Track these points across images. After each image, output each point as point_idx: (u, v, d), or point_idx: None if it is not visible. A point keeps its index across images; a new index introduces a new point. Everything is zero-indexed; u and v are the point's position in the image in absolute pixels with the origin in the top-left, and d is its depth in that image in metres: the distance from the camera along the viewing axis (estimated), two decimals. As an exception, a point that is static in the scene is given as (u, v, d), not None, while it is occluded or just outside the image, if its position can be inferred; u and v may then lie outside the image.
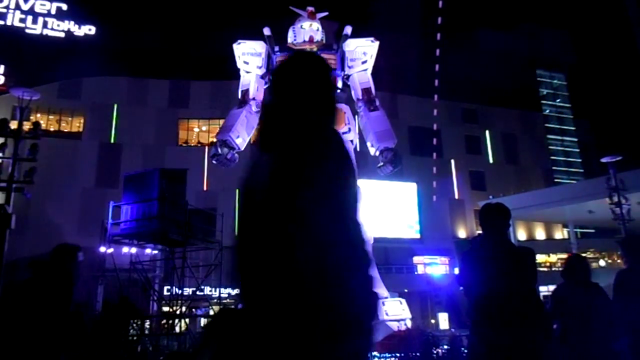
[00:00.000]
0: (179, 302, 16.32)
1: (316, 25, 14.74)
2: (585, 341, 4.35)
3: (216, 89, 37.02)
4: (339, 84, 14.86)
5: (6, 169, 13.44)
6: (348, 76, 14.76)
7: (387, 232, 32.39)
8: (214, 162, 13.90)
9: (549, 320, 4.22)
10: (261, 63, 14.51)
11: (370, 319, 1.76)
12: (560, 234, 43.64)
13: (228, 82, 28.54)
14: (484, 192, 40.42)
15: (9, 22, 36.17)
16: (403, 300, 12.99)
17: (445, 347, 12.88)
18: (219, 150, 13.42)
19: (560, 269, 5.92)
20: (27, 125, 15.52)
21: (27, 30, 36.50)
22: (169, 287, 21.83)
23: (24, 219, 23.43)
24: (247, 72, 14.61)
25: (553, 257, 40.63)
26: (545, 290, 19.33)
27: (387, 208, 34.75)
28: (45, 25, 37.14)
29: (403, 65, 37.79)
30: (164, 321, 16.61)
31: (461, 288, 3.87)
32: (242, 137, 13.83)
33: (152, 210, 14.21)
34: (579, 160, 49.50)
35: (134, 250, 16.48)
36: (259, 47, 14.53)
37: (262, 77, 14.70)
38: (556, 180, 46.00)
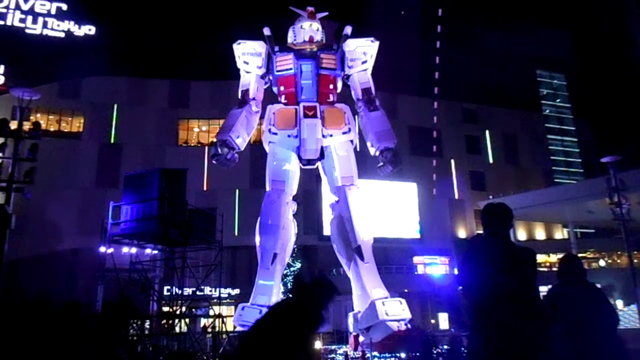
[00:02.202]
0: (179, 302, 16.32)
1: (316, 25, 14.68)
2: (582, 341, 4.33)
3: (216, 89, 37.01)
4: (339, 84, 14.85)
5: (6, 169, 13.41)
6: (348, 76, 14.71)
7: (387, 232, 32.37)
8: (214, 162, 13.87)
9: (550, 320, 4.21)
10: (261, 63, 14.45)
11: None
12: (560, 234, 43.64)
13: (228, 82, 28.51)
14: (484, 192, 40.42)
15: (9, 22, 36.16)
16: (403, 300, 12.98)
17: (445, 347, 12.89)
18: (219, 150, 13.38)
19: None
20: (27, 125, 15.51)
21: (27, 30, 36.48)
22: (169, 287, 21.83)
23: (24, 219, 23.41)
24: (247, 72, 14.56)
25: (553, 257, 40.60)
26: (545, 290, 19.30)
27: (387, 208, 34.75)
28: (45, 25, 37.12)
29: (403, 65, 37.77)
30: (164, 321, 16.61)
31: (460, 288, 3.87)
32: (242, 137, 13.79)
33: (152, 210, 14.21)
34: (579, 160, 49.45)
35: (134, 250, 16.47)
36: (259, 47, 14.46)
37: (262, 77, 14.66)
38: (556, 180, 45.97)
